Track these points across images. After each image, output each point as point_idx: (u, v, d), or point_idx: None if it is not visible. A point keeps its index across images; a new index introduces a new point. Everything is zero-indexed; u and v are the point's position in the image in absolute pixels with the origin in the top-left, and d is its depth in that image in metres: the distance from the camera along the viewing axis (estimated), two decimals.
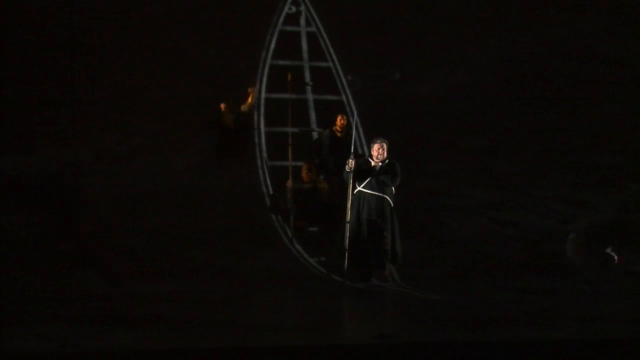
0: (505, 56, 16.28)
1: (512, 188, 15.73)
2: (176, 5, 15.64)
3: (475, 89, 16.05)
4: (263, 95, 15.60)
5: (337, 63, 15.88)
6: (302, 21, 16.05)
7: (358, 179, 12.89)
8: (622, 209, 15.37)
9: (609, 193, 15.72)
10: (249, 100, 15.10)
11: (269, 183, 15.05)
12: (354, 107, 15.25)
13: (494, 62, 16.25)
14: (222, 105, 14.99)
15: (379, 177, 12.85)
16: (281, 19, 15.95)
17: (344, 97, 15.73)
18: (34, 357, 8.28)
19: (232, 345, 8.76)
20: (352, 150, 12.96)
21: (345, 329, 10.59)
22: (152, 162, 14.92)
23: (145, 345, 8.74)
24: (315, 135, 15.39)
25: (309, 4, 16.11)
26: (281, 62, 15.69)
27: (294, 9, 16.05)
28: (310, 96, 15.68)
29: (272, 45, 15.80)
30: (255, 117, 15.49)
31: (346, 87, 15.79)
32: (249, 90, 15.14)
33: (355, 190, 12.90)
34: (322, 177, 14.84)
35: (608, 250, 14.40)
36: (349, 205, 12.83)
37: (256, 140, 15.38)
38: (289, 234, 14.42)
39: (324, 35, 15.99)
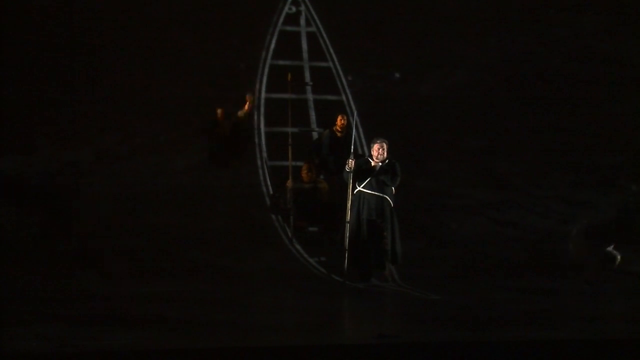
0: (505, 56, 16.29)
1: (512, 188, 15.73)
2: (176, 5, 15.65)
3: (475, 89, 16.06)
4: (263, 95, 15.61)
5: (337, 63, 15.89)
6: (302, 21, 16.06)
7: (358, 179, 12.89)
8: (622, 209, 15.37)
9: (609, 193, 15.72)
10: (246, 107, 15.09)
11: (269, 183, 15.05)
12: (354, 107, 15.25)
13: (494, 62, 16.26)
14: (219, 110, 14.99)
15: (379, 177, 12.84)
16: (281, 19, 15.96)
17: (344, 97, 15.74)
18: (34, 357, 8.28)
19: (232, 345, 8.76)
20: (352, 150, 12.96)
21: (345, 329, 10.59)
22: (152, 162, 14.92)
23: (145, 345, 8.74)
24: (315, 135, 15.39)
25: (309, 4, 16.12)
26: (281, 62, 15.69)
27: (294, 9, 16.05)
28: (310, 96, 15.68)
29: (272, 45, 15.80)
30: (255, 117, 15.49)
31: (346, 87, 15.79)
32: (247, 97, 15.11)
33: (355, 190, 12.90)
34: (322, 177, 14.84)
35: (610, 249, 14.41)
36: (349, 205, 12.83)
37: (256, 140, 15.38)
38: (289, 234, 14.42)
39: (324, 35, 16.00)
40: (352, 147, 12.99)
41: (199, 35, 15.56)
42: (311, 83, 15.65)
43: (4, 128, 14.49)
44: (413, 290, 12.52)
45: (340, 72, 15.85)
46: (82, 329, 9.56)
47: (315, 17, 16.07)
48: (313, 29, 16.03)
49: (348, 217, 12.80)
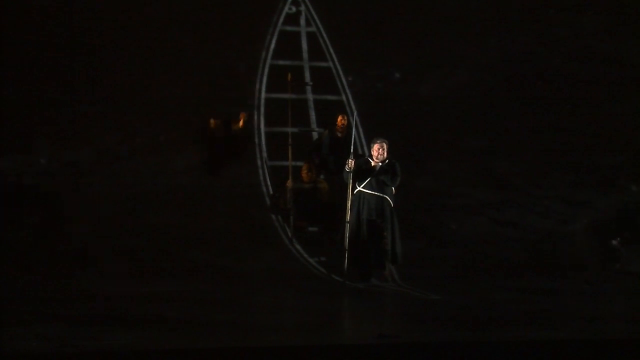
0: (505, 56, 16.29)
1: (512, 188, 15.73)
2: (176, 5, 15.65)
3: (475, 89, 16.06)
4: (263, 95, 15.60)
5: (337, 63, 15.89)
6: (302, 21, 16.06)
7: (358, 179, 12.89)
8: (622, 209, 15.37)
9: (609, 193, 15.72)
10: (240, 123, 15.07)
11: (269, 183, 15.05)
12: (354, 107, 15.25)
13: (494, 62, 16.26)
14: (212, 121, 14.97)
15: (379, 177, 12.84)
16: (281, 19, 15.96)
17: (344, 97, 15.74)
18: (34, 357, 8.28)
19: (232, 345, 8.76)
20: (352, 150, 12.96)
21: (345, 329, 10.59)
22: (152, 162, 14.92)
23: (145, 345, 8.74)
24: (315, 135, 15.39)
25: (309, 4, 16.12)
26: (281, 62, 15.69)
27: (294, 9, 16.05)
28: (310, 96, 15.68)
29: (272, 45, 15.80)
30: (255, 117, 15.49)
31: (346, 87, 15.79)
32: (241, 114, 15.09)
33: (355, 190, 12.90)
34: (322, 177, 14.84)
35: (615, 242, 14.43)
36: (349, 205, 12.83)
37: (256, 140, 15.38)
38: (289, 234, 14.42)
39: (324, 35, 16.00)
40: (352, 147, 12.99)
41: (199, 35, 15.56)
42: (311, 83, 15.65)
43: (4, 128, 14.49)
44: (413, 290, 12.52)
45: (340, 72, 15.85)
46: (82, 329, 9.56)
47: (315, 17, 16.07)
48: (313, 29, 16.03)
49: (348, 217, 12.80)
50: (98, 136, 14.91)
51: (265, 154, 15.28)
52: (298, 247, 14.28)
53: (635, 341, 9.24)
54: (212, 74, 15.41)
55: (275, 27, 15.90)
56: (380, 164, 12.87)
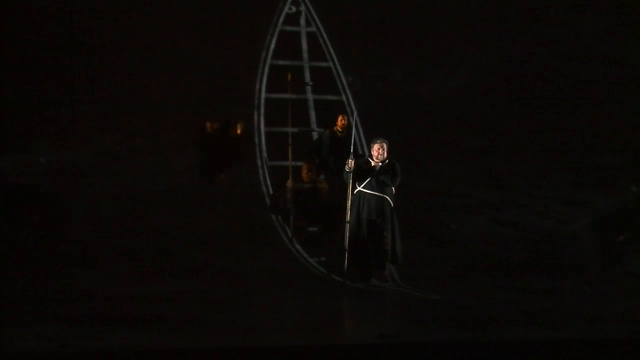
0: (505, 56, 16.29)
1: (512, 188, 15.73)
2: (176, 5, 15.65)
3: (475, 89, 16.06)
4: (263, 95, 15.60)
5: (337, 63, 15.89)
6: (302, 21, 16.06)
7: (358, 179, 12.89)
8: (623, 209, 15.37)
9: (609, 193, 15.71)
10: (238, 131, 15.07)
11: (269, 183, 15.05)
12: (354, 107, 15.25)
13: (494, 62, 16.26)
14: (208, 124, 14.96)
15: (379, 177, 12.84)
16: (281, 19, 15.96)
17: (344, 97, 15.74)
18: (34, 357, 8.28)
19: (232, 345, 8.76)
20: (352, 150, 12.95)
21: (345, 329, 10.59)
22: (152, 162, 14.92)
23: (145, 345, 8.74)
24: (315, 135, 15.39)
25: (309, 4, 16.12)
26: (281, 62, 15.69)
27: (294, 9, 16.05)
28: (310, 96, 15.68)
29: (272, 45, 15.80)
30: (255, 117, 15.49)
31: (346, 87, 15.79)
32: (238, 124, 15.08)
33: (355, 190, 12.90)
34: (322, 177, 14.84)
35: (621, 239, 14.44)
36: (349, 205, 12.83)
37: (256, 140, 15.38)
38: (289, 234, 14.42)
39: (324, 35, 16.00)
40: (352, 147, 12.99)
41: (199, 35, 15.56)
42: (311, 83, 15.65)
43: (4, 128, 14.49)
44: (413, 290, 12.52)
45: (340, 72, 15.85)
46: (82, 329, 9.56)
47: (315, 17, 16.07)
48: (313, 29, 16.03)
49: (348, 217, 12.79)
50: (98, 136, 14.91)
51: (265, 154, 15.27)
52: (298, 247, 14.27)
53: (635, 341, 9.24)
54: (212, 74, 15.41)
55: (275, 27, 15.90)
56: (380, 164, 12.86)
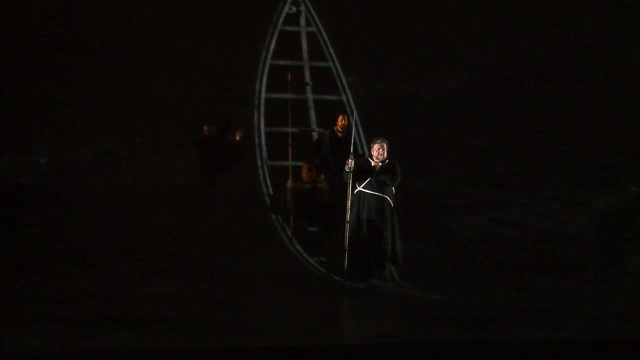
0: (505, 56, 16.28)
1: (512, 188, 15.73)
2: (176, 5, 15.65)
3: (475, 89, 16.05)
4: (263, 95, 15.60)
5: (337, 63, 15.89)
6: (302, 21, 16.06)
7: (358, 179, 12.89)
8: (623, 209, 15.37)
9: (609, 193, 15.71)
10: (237, 137, 15.06)
11: (269, 183, 15.05)
12: (354, 107, 15.25)
13: (494, 62, 16.25)
14: (205, 128, 14.94)
15: (379, 177, 12.84)
16: (281, 19, 15.96)
17: (344, 97, 15.73)
18: (34, 357, 8.28)
19: (232, 345, 8.76)
20: (351, 150, 12.95)
21: (345, 329, 10.59)
22: (152, 162, 14.92)
23: (145, 345, 8.74)
24: (315, 135, 15.39)
25: (309, 4, 16.12)
26: (281, 62, 15.69)
27: (294, 9, 16.05)
28: (310, 96, 15.68)
29: (272, 45, 15.80)
30: (255, 117, 15.49)
31: (346, 87, 15.79)
32: (237, 132, 15.07)
33: (355, 190, 12.90)
34: (322, 177, 14.83)
35: (626, 235, 14.46)
36: (349, 205, 12.82)
37: (256, 140, 15.38)
38: (289, 234, 14.42)
39: (324, 35, 15.99)
40: (352, 147, 12.99)
41: (199, 35, 15.56)
42: (311, 83, 15.64)
43: (4, 128, 14.48)
44: (413, 290, 12.52)
45: (340, 72, 15.85)
46: (82, 329, 9.56)
47: (315, 17, 16.07)
48: (313, 29, 16.03)
49: (348, 217, 12.79)
50: (98, 136, 14.91)
51: (265, 154, 15.27)
52: (298, 247, 14.27)
53: (635, 341, 9.24)
54: (212, 74, 15.40)
55: (275, 27, 15.90)
56: (380, 164, 12.86)
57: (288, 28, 15.98)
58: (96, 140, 14.88)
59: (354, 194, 12.88)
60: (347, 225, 12.76)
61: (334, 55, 15.90)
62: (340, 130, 14.65)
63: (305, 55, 15.87)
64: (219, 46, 15.62)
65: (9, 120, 14.54)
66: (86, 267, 13.23)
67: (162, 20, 15.50)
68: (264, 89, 15.59)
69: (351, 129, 13.75)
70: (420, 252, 14.18)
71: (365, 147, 14.83)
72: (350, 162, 12.77)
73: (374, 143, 12.93)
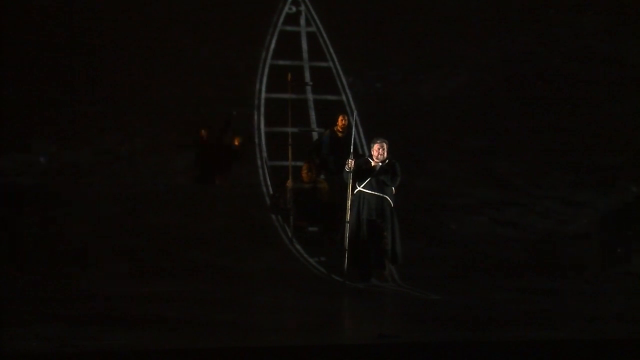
0: (505, 56, 16.29)
1: (512, 188, 15.73)
2: (176, 5, 15.65)
3: (475, 89, 16.06)
4: (263, 95, 15.60)
5: (337, 63, 15.89)
6: (302, 21, 16.06)
7: (358, 179, 12.89)
8: (623, 209, 15.37)
9: (609, 193, 15.71)
10: (236, 142, 15.06)
11: (269, 183, 15.05)
12: (354, 107, 15.25)
13: (494, 62, 16.26)
14: (203, 131, 14.93)
15: (379, 177, 12.84)
16: (281, 19, 15.96)
17: (344, 97, 15.74)
18: (34, 357, 8.28)
19: (232, 345, 8.76)
20: (351, 150, 12.95)
21: (345, 329, 10.59)
22: (152, 162, 14.92)
23: (145, 345, 8.74)
24: (315, 135, 15.39)
25: (309, 4, 16.12)
26: (281, 62, 15.69)
27: (294, 9, 16.05)
28: (310, 96, 15.68)
29: (272, 45, 15.80)
30: (255, 117, 15.49)
31: (346, 87, 15.79)
32: (236, 138, 15.06)
33: (356, 190, 12.90)
34: (322, 177, 14.84)
35: (629, 234, 14.49)
36: (349, 205, 12.83)
37: (256, 140, 15.38)
38: (289, 234, 14.42)
39: (324, 35, 16.00)
40: (352, 147, 12.99)
41: (199, 35, 15.56)
42: (311, 83, 15.65)
43: (4, 128, 14.48)
44: (413, 290, 12.52)
45: (340, 72, 15.85)
46: (82, 329, 9.56)
47: (315, 17, 16.07)
48: (313, 29, 16.03)
49: (348, 217, 12.79)
50: (98, 136, 14.91)
51: (265, 154, 15.27)
52: (298, 247, 14.27)
53: (635, 341, 9.23)
54: (212, 74, 15.41)
55: (275, 27, 15.90)
56: (380, 164, 12.87)
57: (288, 28, 15.98)
58: (96, 140, 14.88)
59: (354, 194, 12.88)
60: (347, 225, 12.76)
61: (334, 55, 15.90)
62: (340, 130, 14.65)
63: (305, 55, 15.87)
64: (219, 46, 15.62)
65: (9, 120, 14.54)
66: (86, 267, 13.24)
67: (162, 20, 15.51)
68: (264, 89, 15.60)
69: (351, 129, 13.76)
70: (420, 252, 14.18)
71: (365, 147, 14.84)
72: (350, 162, 12.77)
73: (374, 143, 12.93)
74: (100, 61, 15.12)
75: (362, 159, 13.13)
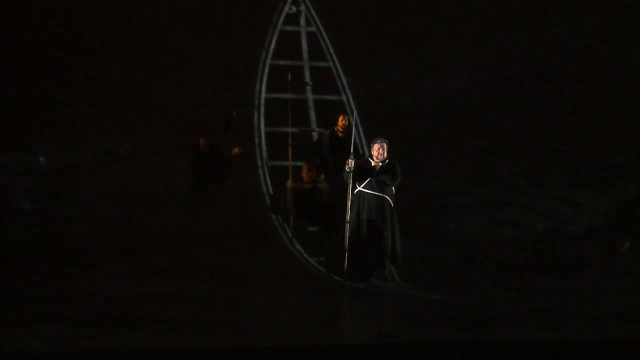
0: (505, 56, 16.29)
1: (512, 188, 15.73)
2: (176, 5, 15.66)
3: (475, 89, 16.06)
4: (263, 95, 15.60)
5: (337, 63, 15.89)
6: (302, 21, 16.06)
7: (358, 179, 12.89)
8: (623, 209, 15.37)
9: (609, 193, 15.71)
10: (235, 151, 15.05)
11: (269, 183, 15.05)
12: (354, 107, 15.25)
13: (494, 62, 16.26)
14: (202, 140, 14.89)
15: (379, 177, 12.85)
16: (281, 19, 15.96)
17: (344, 97, 15.74)
18: (34, 357, 8.28)
19: (232, 345, 8.77)
20: (352, 150, 12.96)
21: (345, 329, 10.59)
22: (152, 163, 14.92)
23: (145, 345, 8.74)
24: (315, 135, 15.39)
25: (309, 4, 16.12)
26: (281, 62, 15.69)
27: (294, 9, 16.06)
28: (310, 96, 15.68)
29: (272, 45, 15.80)
30: (255, 117, 15.49)
31: (346, 87, 15.79)
32: (234, 149, 15.05)
33: (356, 190, 12.90)
34: (322, 177, 14.84)
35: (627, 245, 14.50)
36: (349, 205, 12.83)
37: (256, 140, 15.38)
38: (289, 234, 14.42)
39: (324, 35, 16.00)
40: (352, 147, 12.99)
41: (199, 35, 15.56)
42: (311, 83, 15.65)
43: (4, 128, 14.48)
44: (413, 290, 12.52)
45: (340, 72, 15.86)
46: (82, 329, 9.56)
47: (315, 17, 16.08)
48: (313, 29, 16.04)
49: (348, 217, 12.80)
50: (98, 136, 14.91)
51: (265, 154, 15.27)
52: (298, 247, 14.28)
53: (635, 341, 9.24)
54: (212, 74, 15.41)
55: (275, 27, 15.90)
56: (380, 164, 12.87)
57: (288, 28, 15.98)
58: (96, 140, 14.88)
59: (354, 194, 12.89)
60: (347, 225, 12.77)
61: (334, 55, 15.91)
62: (340, 130, 14.65)
63: (305, 55, 15.87)
64: (219, 46, 15.62)
65: (9, 120, 14.54)
66: (86, 267, 13.23)
67: (162, 20, 15.51)
68: (264, 89, 15.60)
69: (351, 129, 13.76)
70: (420, 252, 14.18)
71: (365, 147, 14.84)
72: (351, 162, 12.77)
73: (374, 143, 12.94)
74: (100, 61, 15.12)
75: (362, 159, 13.14)
